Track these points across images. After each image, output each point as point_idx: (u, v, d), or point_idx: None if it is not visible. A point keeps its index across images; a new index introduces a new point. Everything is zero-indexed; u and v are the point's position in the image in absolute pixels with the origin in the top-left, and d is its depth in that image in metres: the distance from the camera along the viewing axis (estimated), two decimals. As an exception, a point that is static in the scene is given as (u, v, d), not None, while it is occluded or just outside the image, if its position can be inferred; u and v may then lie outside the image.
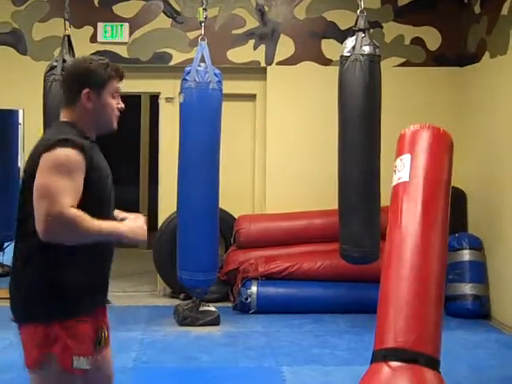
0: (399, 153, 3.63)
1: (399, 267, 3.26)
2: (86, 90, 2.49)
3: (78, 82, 2.50)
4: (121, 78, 2.57)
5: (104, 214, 2.47)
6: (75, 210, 2.29)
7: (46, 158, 2.34)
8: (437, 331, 3.19)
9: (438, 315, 3.24)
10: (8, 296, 2.51)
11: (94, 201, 2.42)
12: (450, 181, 3.61)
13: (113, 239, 2.50)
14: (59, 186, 2.29)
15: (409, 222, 3.31)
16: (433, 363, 3.04)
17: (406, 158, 3.54)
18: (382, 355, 3.00)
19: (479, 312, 6.13)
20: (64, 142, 2.35)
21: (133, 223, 2.50)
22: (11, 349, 5.23)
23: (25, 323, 2.47)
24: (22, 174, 2.57)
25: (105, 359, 2.65)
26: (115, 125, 2.59)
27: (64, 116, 2.55)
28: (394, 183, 3.58)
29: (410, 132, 3.65)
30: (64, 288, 2.42)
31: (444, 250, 3.40)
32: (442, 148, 3.62)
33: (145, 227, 2.51)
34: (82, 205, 2.34)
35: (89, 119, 2.52)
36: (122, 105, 2.59)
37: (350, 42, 5.55)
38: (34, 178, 2.34)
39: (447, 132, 3.69)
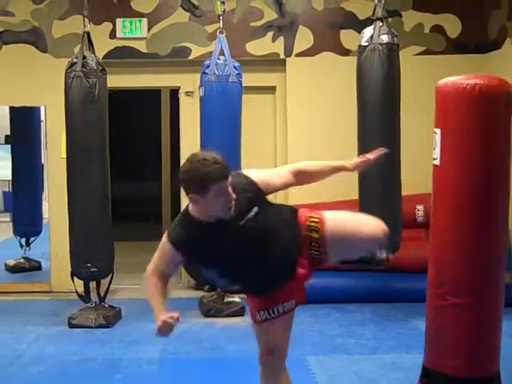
0: (438, 122, 3.20)
1: None
2: (190, 196, 2.89)
3: (184, 188, 2.93)
4: (224, 177, 2.84)
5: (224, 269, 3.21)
6: (151, 277, 3.03)
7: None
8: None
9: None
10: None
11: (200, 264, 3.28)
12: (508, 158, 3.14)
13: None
14: (155, 255, 3.08)
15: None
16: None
17: (438, 133, 3.23)
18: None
19: (506, 300, 6.07)
20: (168, 232, 3.04)
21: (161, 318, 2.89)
22: (40, 342, 5.31)
23: None
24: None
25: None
26: (228, 214, 2.89)
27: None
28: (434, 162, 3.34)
29: (452, 89, 3.10)
30: None
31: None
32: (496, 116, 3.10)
33: (162, 321, 2.86)
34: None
35: (200, 212, 2.93)
36: (233, 196, 2.86)
37: (368, 31, 5.53)
38: None
39: (504, 84, 3.14)
